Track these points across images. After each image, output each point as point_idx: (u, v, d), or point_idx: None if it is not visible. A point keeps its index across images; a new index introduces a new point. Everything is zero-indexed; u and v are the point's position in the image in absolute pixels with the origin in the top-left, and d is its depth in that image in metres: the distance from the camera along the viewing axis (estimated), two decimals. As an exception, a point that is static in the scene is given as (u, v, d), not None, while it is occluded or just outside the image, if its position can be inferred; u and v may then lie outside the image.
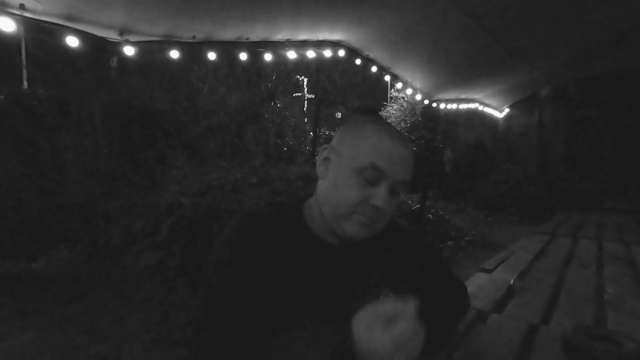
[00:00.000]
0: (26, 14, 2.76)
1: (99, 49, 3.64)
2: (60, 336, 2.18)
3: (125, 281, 2.72)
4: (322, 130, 6.50)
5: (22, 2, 2.64)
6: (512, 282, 1.73)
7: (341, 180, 0.67)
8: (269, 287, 0.65)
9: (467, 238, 4.46)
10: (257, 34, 4.15)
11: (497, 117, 9.16)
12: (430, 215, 4.49)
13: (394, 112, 7.71)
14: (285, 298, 0.65)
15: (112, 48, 3.52)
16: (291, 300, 0.66)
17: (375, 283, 0.72)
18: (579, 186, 6.92)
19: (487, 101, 8.31)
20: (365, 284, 0.71)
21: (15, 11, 2.69)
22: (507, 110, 9.16)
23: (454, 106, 7.95)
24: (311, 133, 5.87)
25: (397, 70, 5.99)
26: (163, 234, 2.62)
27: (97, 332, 2.21)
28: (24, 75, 3.40)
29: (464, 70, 6.14)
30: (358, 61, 5.47)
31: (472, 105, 8.17)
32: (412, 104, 7.46)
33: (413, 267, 0.79)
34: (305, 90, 7.57)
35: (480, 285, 1.69)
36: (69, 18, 2.97)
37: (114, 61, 3.87)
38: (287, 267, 0.67)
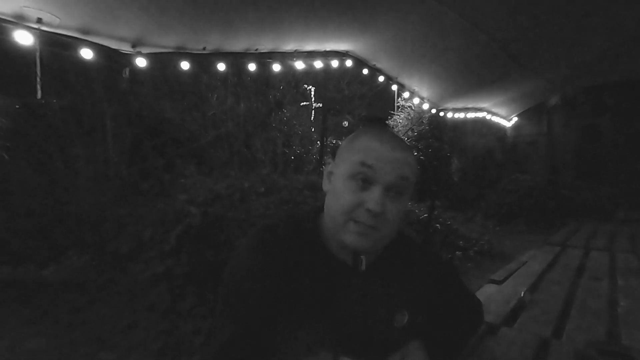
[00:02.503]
0: (43, 28, 2.85)
1: (112, 61, 3.73)
2: (68, 344, 2.19)
3: (133, 289, 2.73)
4: (329, 139, 6.53)
5: (40, 17, 2.73)
6: (522, 294, 1.70)
7: (337, 188, 0.67)
8: (284, 306, 0.65)
9: (475, 248, 4.41)
10: (265, 45, 4.23)
11: (505, 126, 9.12)
12: (438, 225, 4.46)
13: (401, 120, 7.72)
14: (299, 317, 0.65)
15: (125, 59, 3.60)
16: (304, 320, 0.65)
17: (388, 301, 0.72)
18: (589, 196, 6.82)
19: (494, 110, 8.28)
20: (379, 302, 0.71)
21: (32, 25, 2.78)
22: (515, 119, 9.11)
23: (461, 115, 7.94)
24: (318, 142, 5.89)
25: (404, 80, 6.02)
26: (171, 242, 2.64)
27: (105, 340, 2.22)
28: (38, 86, 3.49)
29: (472, 80, 6.15)
30: (365, 71, 5.52)
31: (480, 114, 8.15)
32: (419, 113, 7.47)
33: (427, 283, 0.78)
34: (313, 99, 7.62)
35: (489, 297, 1.66)
36: (84, 31, 3.06)
37: (126, 72, 3.96)
38: (302, 285, 0.66)
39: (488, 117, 8.34)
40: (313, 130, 6.48)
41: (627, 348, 1.10)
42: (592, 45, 5.19)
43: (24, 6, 2.64)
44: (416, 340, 0.71)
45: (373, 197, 0.63)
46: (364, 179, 0.65)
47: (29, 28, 2.78)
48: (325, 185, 0.73)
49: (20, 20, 2.74)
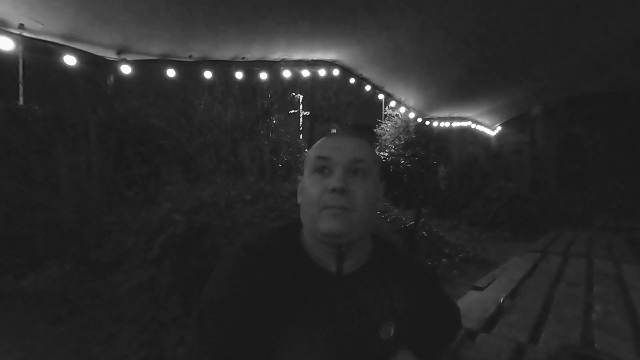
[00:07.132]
0: (25, 34, 2.81)
1: (97, 67, 3.70)
2: (47, 356, 2.13)
3: (115, 299, 2.68)
4: (316, 147, 6.53)
5: (22, 22, 2.70)
6: (502, 300, 1.74)
7: (305, 188, 0.71)
8: (267, 323, 0.64)
9: (461, 255, 4.47)
10: (253, 53, 4.26)
11: (489, 135, 9.32)
12: (424, 232, 4.50)
13: (388, 129, 7.83)
14: (284, 331, 0.65)
15: (110, 66, 3.58)
16: (290, 333, 0.65)
17: (374, 309, 0.72)
18: (570, 203, 7.01)
19: (479, 119, 8.47)
20: (365, 310, 0.70)
21: (14, 30, 2.75)
22: (499, 128, 9.33)
23: (446, 124, 8.09)
24: (306, 150, 5.92)
25: (391, 89, 6.12)
26: (155, 251, 2.60)
27: (85, 352, 2.17)
28: (20, 92, 3.43)
29: (456, 90, 6.29)
30: (352, 80, 5.59)
31: (465, 124, 8.32)
32: (406, 121, 7.59)
33: (411, 292, 0.78)
34: (301, 107, 7.66)
35: (470, 304, 1.69)
36: (68, 38, 3.04)
37: (111, 79, 3.92)
38: (285, 299, 0.65)
39: (473, 126, 8.51)
40: (301, 138, 6.51)
41: (599, 352, 1.14)
42: (572, 58, 5.38)
43: (6, 11, 2.60)
44: (406, 351, 0.72)
45: (334, 177, 0.67)
46: (323, 168, 0.69)
47: (10, 34, 2.74)
48: (299, 198, 0.75)
49: (1, 26, 2.71)
